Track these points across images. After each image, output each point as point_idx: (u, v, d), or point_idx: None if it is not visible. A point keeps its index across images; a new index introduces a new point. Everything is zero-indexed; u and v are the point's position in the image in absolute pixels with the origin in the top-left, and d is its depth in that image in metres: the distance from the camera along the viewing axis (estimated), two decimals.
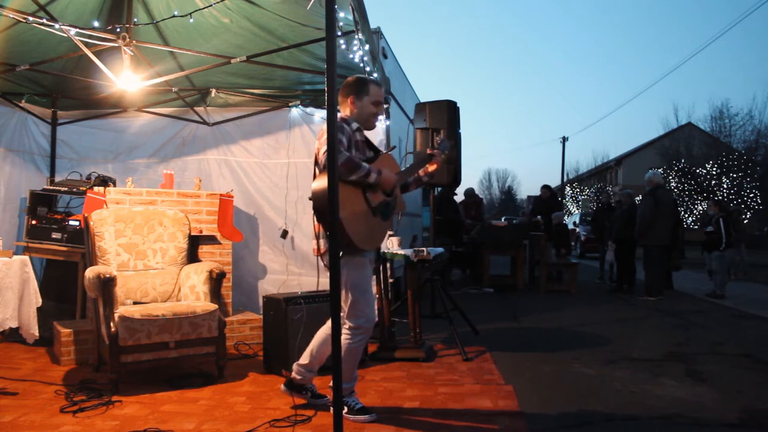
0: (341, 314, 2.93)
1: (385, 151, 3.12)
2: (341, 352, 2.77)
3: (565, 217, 11.52)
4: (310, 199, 5.10)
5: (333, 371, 2.34)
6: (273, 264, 5.54)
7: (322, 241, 2.86)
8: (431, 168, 3.24)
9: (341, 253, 2.75)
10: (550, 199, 10.34)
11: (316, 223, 2.88)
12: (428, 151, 3.27)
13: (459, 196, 10.61)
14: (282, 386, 3.16)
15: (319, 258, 2.89)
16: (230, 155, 5.75)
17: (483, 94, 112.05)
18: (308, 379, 3.13)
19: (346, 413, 2.87)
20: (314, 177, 2.87)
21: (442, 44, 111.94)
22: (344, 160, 2.69)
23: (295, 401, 3.12)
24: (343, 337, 2.89)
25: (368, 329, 2.93)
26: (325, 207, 2.68)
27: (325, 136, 2.68)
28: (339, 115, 2.94)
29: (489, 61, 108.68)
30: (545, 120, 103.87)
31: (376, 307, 3.05)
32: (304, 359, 3.09)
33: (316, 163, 2.87)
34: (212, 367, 3.71)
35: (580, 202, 32.20)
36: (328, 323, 3.04)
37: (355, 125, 2.93)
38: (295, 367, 3.12)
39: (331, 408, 2.89)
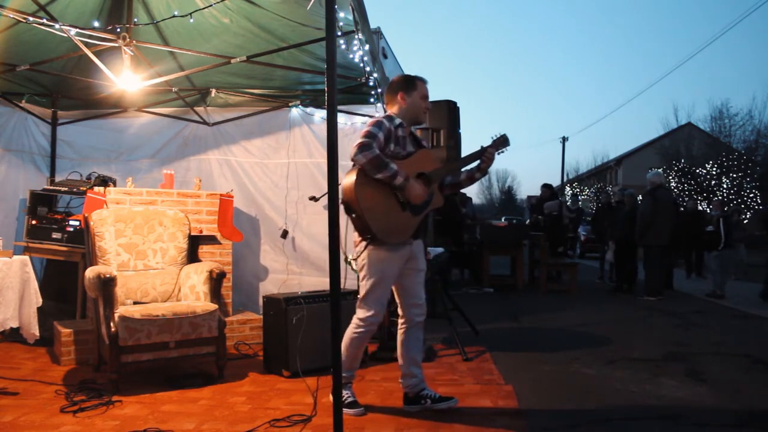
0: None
1: (423, 149, 3.10)
2: (342, 352, 2.81)
3: (574, 205, 11.16)
4: (310, 198, 5.14)
5: (333, 371, 2.34)
6: (274, 263, 5.54)
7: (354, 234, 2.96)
8: (484, 166, 3.11)
9: (365, 243, 2.88)
10: (550, 198, 10.30)
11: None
12: (482, 146, 3.12)
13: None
14: (405, 406, 3.10)
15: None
16: (231, 155, 5.76)
17: (483, 93, 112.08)
18: (416, 385, 3.09)
19: None
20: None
21: (441, 44, 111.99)
22: (372, 157, 2.76)
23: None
24: (351, 325, 3.00)
25: (372, 324, 2.98)
26: (349, 200, 2.83)
27: (362, 131, 2.83)
28: (387, 112, 3.05)
29: (489, 61, 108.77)
30: (545, 120, 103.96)
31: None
32: (404, 368, 3.11)
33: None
34: (212, 367, 3.71)
35: (580, 202, 32.17)
36: (399, 327, 3.10)
37: (397, 121, 2.99)
38: (401, 382, 3.14)
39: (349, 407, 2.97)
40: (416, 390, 3.08)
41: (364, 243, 2.90)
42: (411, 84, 3.05)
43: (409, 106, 3.04)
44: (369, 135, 2.81)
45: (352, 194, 2.80)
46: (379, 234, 2.84)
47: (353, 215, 2.85)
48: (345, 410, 2.89)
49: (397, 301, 3.11)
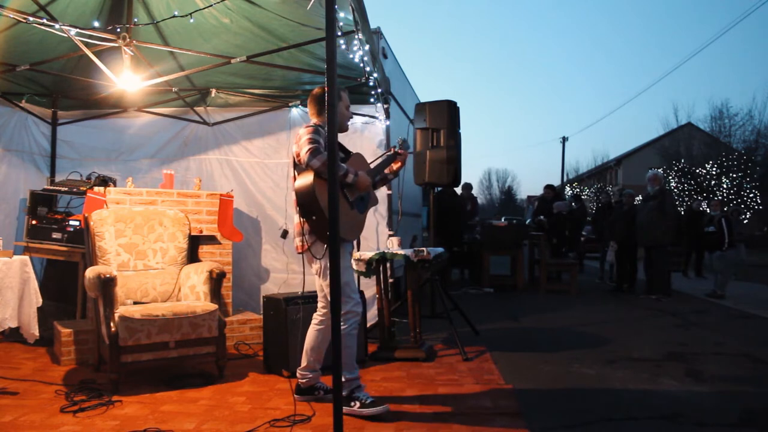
0: (322, 304, 3.15)
1: (355, 152, 3.34)
2: (341, 351, 2.81)
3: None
4: None
5: (333, 371, 2.35)
6: (275, 263, 5.56)
7: (306, 237, 3.04)
8: (396, 166, 3.44)
9: (325, 246, 2.95)
10: (554, 199, 10.26)
11: (298, 220, 3.07)
12: (392, 150, 3.46)
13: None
14: (295, 396, 3.21)
15: (303, 255, 3.09)
16: (231, 155, 5.76)
17: (483, 94, 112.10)
18: (314, 378, 3.22)
19: (358, 408, 2.94)
20: (293, 178, 3.07)
21: (442, 44, 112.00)
22: (325, 160, 2.86)
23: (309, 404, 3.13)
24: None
25: (357, 312, 3.06)
26: (308, 202, 2.93)
27: (303, 139, 2.96)
28: (312, 122, 3.17)
29: (489, 61, 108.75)
30: (545, 120, 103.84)
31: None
32: (303, 362, 3.22)
33: (295, 165, 3.08)
34: (212, 367, 3.72)
35: (584, 196, 32.16)
36: (313, 321, 3.20)
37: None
38: (298, 373, 3.25)
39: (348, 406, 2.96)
40: (313, 383, 3.22)
41: (323, 245, 2.97)
42: (337, 96, 3.16)
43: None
44: (315, 141, 2.93)
45: (312, 197, 2.90)
46: (341, 234, 2.90)
47: (314, 217, 2.94)
48: (369, 410, 2.92)
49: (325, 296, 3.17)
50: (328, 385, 3.19)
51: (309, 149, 2.89)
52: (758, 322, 6.27)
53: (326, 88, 2.33)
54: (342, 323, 2.96)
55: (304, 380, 3.22)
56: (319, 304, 3.18)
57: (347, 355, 2.99)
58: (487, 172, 62.74)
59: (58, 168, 5.63)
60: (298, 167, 3.04)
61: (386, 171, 3.44)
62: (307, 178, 2.93)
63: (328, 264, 2.94)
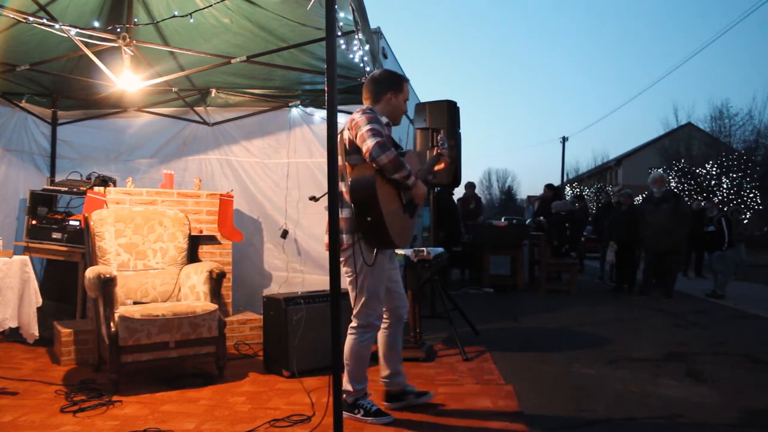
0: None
1: (407, 150, 3.11)
2: (342, 351, 2.80)
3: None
4: (310, 198, 5.14)
5: (332, 370, 2.35)
6: (276, 262, 5.56)
7: (344, 237, 2.75)
8: (438, 168, 3.23)
9: (374, 251, 2.75)
10: (553, 198, 10.25)
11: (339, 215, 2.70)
12: (436, 151, 3.24)
13: (457, 196, 10.59)
14: (385, 403, 3.07)
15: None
16: (231, 155, 5.76)
17: (483, 94, 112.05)
18: (402, 382, 3.09)
19: (362, 416, 2.88)
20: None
21: (441, 44, 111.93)
22: (393, 157, 2.66)
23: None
24: (350, 336, 2.91)
25: (377, 327, 2.92)
26: (364, 199, 2.62)
27: (364, 129, 2.65)
28: (365, 105, 2.92)
29: (489, 61, 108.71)
30: (545, 120, 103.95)
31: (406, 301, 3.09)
32: (384, 371, 3.07)
33: (347, 153, 2.77)
34: (212, 367, 3.72)
35: (586, 195, 32.17)
36: (392, 327, 3.06)
37: (384, 119, 2.90)
38: (382, 382, 3.09)
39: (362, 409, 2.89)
40: (402, 387, 3.08)
41: (371, 249, 2.75)
42: (400, 85, 2.97)
43: (393, 108, 2.96)
44: (378, 132, 2.65)
45: (372, 194, 2.60)
46: (395, 239, 2.73)
47: (368, 218, 2.64)
48: (372, 419, 2.85)
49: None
50: (417, 388, 3.13)
51: (376, 142, 2.60)
52: (758, 322, 6.27)
53: (326, 89, 2.33)
54: (357, 334, 2.88)
55: (394, 387, 3.06)
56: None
57: (360, 367, 2.90)
58: (487, 172, 62.94)
59: (58, 168, 5.63)
60: (352, 157, 2.74)
61: (428, 175, 3.21)
62: (368, 174, 2.63)
63: (366, 276, 2.77)
